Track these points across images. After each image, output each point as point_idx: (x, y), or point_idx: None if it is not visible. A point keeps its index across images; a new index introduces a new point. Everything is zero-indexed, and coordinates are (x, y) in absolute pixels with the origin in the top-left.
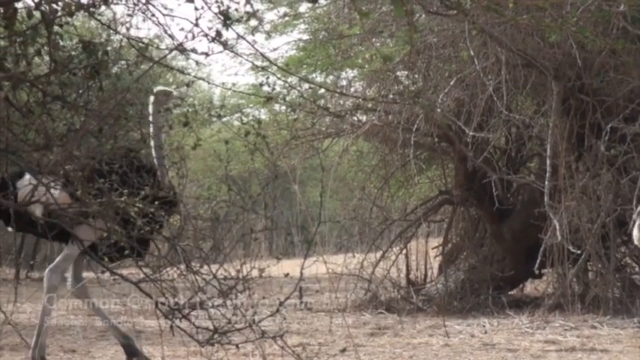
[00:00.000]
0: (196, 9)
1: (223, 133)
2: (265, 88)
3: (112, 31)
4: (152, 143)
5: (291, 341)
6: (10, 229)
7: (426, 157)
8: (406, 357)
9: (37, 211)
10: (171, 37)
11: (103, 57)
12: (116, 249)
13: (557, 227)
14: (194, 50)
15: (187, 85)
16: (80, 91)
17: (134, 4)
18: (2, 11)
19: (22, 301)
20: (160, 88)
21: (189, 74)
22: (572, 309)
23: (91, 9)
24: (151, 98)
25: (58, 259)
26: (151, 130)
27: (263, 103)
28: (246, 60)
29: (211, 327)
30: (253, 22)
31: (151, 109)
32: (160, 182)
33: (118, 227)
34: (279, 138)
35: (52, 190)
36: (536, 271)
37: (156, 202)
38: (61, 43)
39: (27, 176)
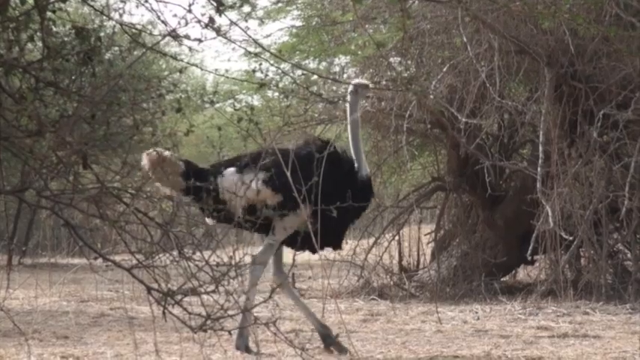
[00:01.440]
0: None
1: (216, 119)
2: (258, 75)
3: (105, 17)
4: (350, 135)
5: (284, 327)
6: (209, 220)
7: (418, 144)
8: (399, 343)
9: (242, 205)
10: (165, 23)
11: (96, 43)
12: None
13: (550, 214)
14: (187, 36)
15: (180, 72)
16: (73, 77)
17: None
18: None
19: (15, 288)
20: (357, 80)
21: (182, 60)
22: (565, 295)
23: None
24: (350, 89)
25: (260, 251)
26: (349, 122)
27: (256, 90)
28: (239, 46)
29: (204, 313)
30: (246, 9)
31: (349, 100)
32: (357, 174)
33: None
34: (271, 124)
35: (254, 183)
36: (529, 258)
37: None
38: (54, 29)
39: (230, 170)
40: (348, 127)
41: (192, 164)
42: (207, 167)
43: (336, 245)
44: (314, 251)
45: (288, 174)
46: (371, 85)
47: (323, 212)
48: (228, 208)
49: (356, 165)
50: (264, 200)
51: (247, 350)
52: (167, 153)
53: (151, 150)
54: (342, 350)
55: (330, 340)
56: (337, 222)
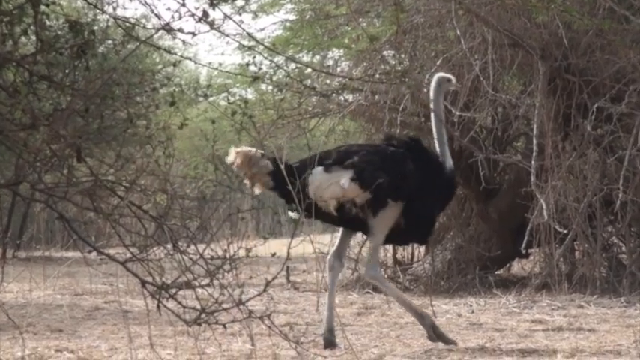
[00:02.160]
0: None
1: (210, 112)
2: (252, 68)
3: (98, 11)
4: (434, 128)
5: (279, 321)
6: (291, 214)
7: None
8: (393, 336)
9: (331, 202)
10: (158, 16)
11: (89, 37)
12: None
13: (544, 207)
14: (181, 30)
15: (174, 65)
16: (67, 71)
17: None
18: None
19: (9, 281)
20: (441, 73)
21: (175, 54)
22: (559, 288)
23: None
24: (433, 83)
25: (369, 255)
26: (433, 115)
27: (249, 83)
28: (233, 40)
29: (198, 307)
30: (240, 2)
31: (432, 94)
32: (443, 167)
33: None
34: (265, 118)
35: (342, 181)
36: (523, 251)
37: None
38: (48, 22)
39: (319, 169)
40: (432, 120)
41: (278, 161)
42: (295, 164)
43: (423, 240)
44: (401, 244)
45: (377, 171)
46: (453, 79)
47: (412, 207)
48: (318, 206)
49: (441, 159)
50: (353, 198)
51: (445, 340)
52: (255, 151)
53: (240, 148)
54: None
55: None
56: (425, 216)
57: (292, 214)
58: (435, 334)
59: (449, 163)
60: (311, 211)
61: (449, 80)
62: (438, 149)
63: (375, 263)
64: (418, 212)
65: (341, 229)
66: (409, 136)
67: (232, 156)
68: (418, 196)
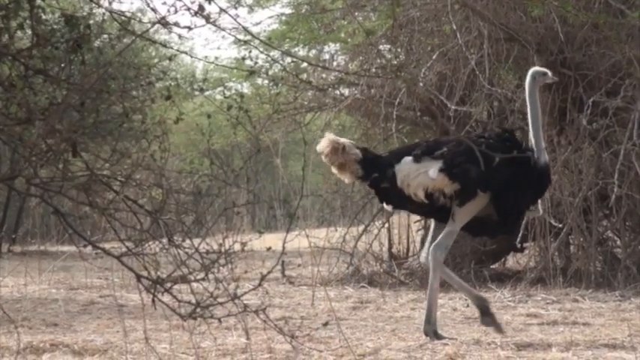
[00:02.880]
0: None
1: (206, 106)
2: (248, 62)
3: (94, 5)
4: (530, 123)
5: (274, 315)
6: (387, 206)
7: (408, 131)
8: (388, 330)
9: (419, 192)
10: (154, 10)
11: (85, 31)
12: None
13: (539, 201)
14: (177, 24)
15: (170, 59)
16: (62, 65)
17: None
18: None
19: (4, 275)
20: (536, 67)
21: (171, 48)
22: (554, 283)
23: None
24: (528, 77)
25: (440, 237)
26: (529, 109)
27: (245, 77)
28: (229, 34)
29: (193, 301)
30: None
31: (527, 88)
32: (536, 161)
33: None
34: (261, 112)
35: (431, 172)
36: (518, 245)
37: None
38: (44, 16)
39: (407, 159)
40: (529, 115)
41: (369, 152)
42: (384, 155)
43: (511, 232)
44: (491, 236)
45: (466, 162)
46: (549, 73)
47: (501, 199)
48: (406, 196)
49: (535, 152)
50: (442, 188)
51: (437, 336)
52: (345, 140)
53: (329, 136)
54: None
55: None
56: (515, 209)
57: (387, 207)
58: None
59: (544, 157)
60: (399, 201)
61: (544, 74)
62: (533, 143)
63: (444, 247)
64: (507, 204)
65: (432, 223)
66: (502, 127)
67: (322, 144)
68: (508, 189)
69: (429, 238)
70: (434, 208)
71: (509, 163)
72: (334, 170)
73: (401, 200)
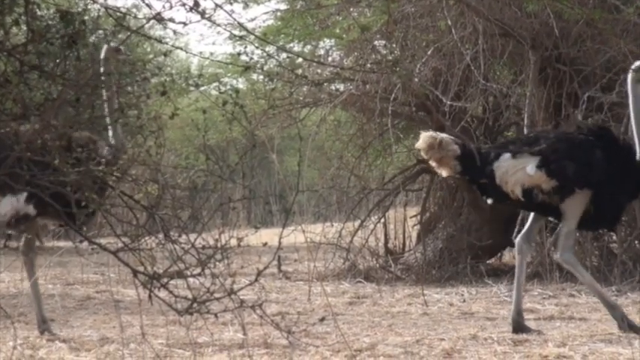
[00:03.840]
0: None
1: (201, 102)
2: (243, 58)
3: (89, 1)
4: (632, 119)
5: (270, 310)
6: (489, 201)
7: (403, 126)
8: (385, 326)
9: (517, 189)
10: (149, 6)
11: (80, 26)
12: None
13: None
14: (172, 19)
15: (165, 55)
16: (57, 61)
17: None
18: None
19: (0, 271)
20: (638, 62)
21: (166, 43)
22: (551, 278)
23: None
24: (630, 74)
25: (562, 240)
26: (631, 107)
27: (241, 73)
28: (224, 29)
29: (190, 296)
30: None
31: (630, 87)
32: (635, 158)
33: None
34: (256, 107)
35: (528, 168)
36: (515, 240)
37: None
38: (39, 12)
39: (506, 155)
40: (631, 112)
41: (469, 148)
42: (483, 151)
43: (611, 226)
44: (590, 230)
45: (564, 159)
46: None
47: (600, 195)
48: (504, 192)
49: (637, 149)
50: (539, 185)
51: (636, 330)
52: (444, 136)
53: (427, 133)
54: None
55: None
56: (615, 205)
57: (489, 201)
58: (628, 325)
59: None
60: (498, 197)
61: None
62: (636, 140)
63: (569, 248)
64: (606, 200)
65: (532, 214)
66: (599, 124)
67: (420, 141)
68: (606, 185)
69: (526, 227)
70: (533, 204)
71: (607, 159)
72: (433, 164)
73: (500, 196)
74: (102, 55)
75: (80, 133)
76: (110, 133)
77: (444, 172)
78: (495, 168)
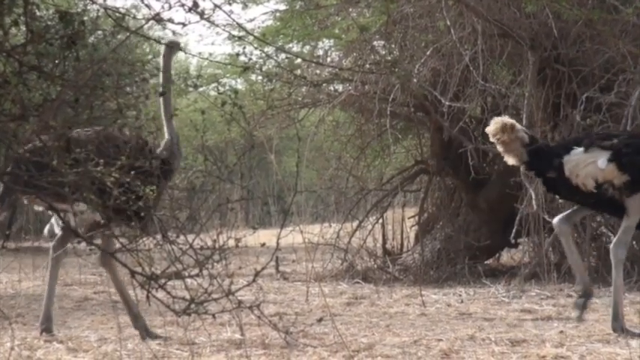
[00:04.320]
0: None
1: (200, 103)
2: (242, 58)
3: (88, 1)
4: None
5: (268, 311)
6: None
7: (402, 127)
8: (383, 326)
9: (588, 182)
10: (148, 6)
11: (79, 27)
12: None
13: (533, 196)
14: (171, 20)
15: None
16: (57, 62)
17: None
18: None
19: None
20: None
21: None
22: (548, 278)
23: None
24: None
25: (619, 234)
26: None
27: (240, 73)
28: (223, 30)
29: (188, 297)
30: None
31: None
32: None
33: None
34: (255, 108)
35: (600, 162)
36: (512, 241)
37: None
38: (38, 13)
39: (578, 149)
40: None
41: (537, 139)
42: (552, 145)
43: None
44: None
45: (636, 154)
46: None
47: None
48: (573, 186)
49: None
50: (611, 179)
51: (627, 332)
52: (515, 122)
53: (499, 117)
54: None
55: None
56: None
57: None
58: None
59: None
60: (566, 191)
61: None
62: None
63: (624, 243)
64: None
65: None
66: None
67: (492, 123)
68: None
69: (569, 211)
70: (602, 200)
71: None
72: (500, 149)
73: (568, 190)
74: (163, 49)
75: (127, 132)
76: (165, 129)
77: (510, 160)
78: (565, 161)
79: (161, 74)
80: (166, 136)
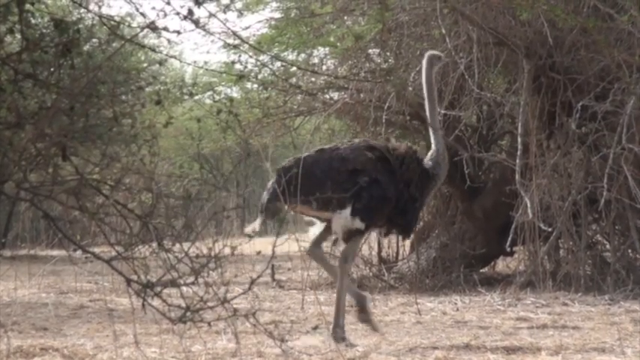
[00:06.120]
0: None
1: (195, 111)
2: (237, 66)
3: (83, 9)
4: None
5: (264, 319)
6: None
7: (397, 135)
8: (378, 334)
9: None
10: (143, 15)
11: (74, 35)
12: None
13: (529, 205)
14: (166, 28)
15: (159, 64)
16: (52, 69)
17: None
18: None
19: None
20: None
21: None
22: (544, 286)
23: None
24: None
25: None
26: None
27: (235, 81)
28: (218, 38)
29: (183, 305)
30: (225, 0)
31: None
32: None
33: None
34: (251, 116)
35: None
36: (508, 249)
37: None
38: (33, 21)
39: None
40: None
41: None
42: None
43: None
44: None
45: None
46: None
47: None
48: None
49: None
50: None
51: None
52: None
53: None
54: None
55: None
56: None
57: None
58: None
59: None
60: None
61: None
62: None
63: None
64: None
65: None
66: None
67: None
68: None
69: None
70: None
71: None
72: None
73: None
74: (424, 62)
75: (396, 143)
76: (432, 139)
77: None
78: None
79: (424, 87)
80: (433, 146)
